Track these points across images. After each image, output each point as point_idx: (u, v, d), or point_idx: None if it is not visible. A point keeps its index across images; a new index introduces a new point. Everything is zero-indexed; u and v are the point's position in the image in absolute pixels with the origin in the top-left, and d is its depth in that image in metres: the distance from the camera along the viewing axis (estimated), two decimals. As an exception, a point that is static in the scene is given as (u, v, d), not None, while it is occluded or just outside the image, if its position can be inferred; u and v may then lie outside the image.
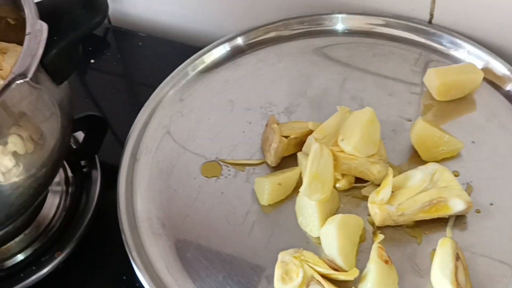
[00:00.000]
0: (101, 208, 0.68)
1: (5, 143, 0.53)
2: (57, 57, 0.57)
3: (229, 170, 0.63)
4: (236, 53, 0.72)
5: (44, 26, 0.55)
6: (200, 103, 0.68)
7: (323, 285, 0.52)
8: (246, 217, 0.59)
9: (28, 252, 0.65)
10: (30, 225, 0.66)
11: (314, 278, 0.52)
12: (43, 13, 0.57)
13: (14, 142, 0.54)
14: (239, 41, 0.73)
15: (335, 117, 0.61)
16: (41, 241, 0.66)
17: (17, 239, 0.65)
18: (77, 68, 0.62)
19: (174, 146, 0.65)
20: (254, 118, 0.67)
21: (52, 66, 0.57)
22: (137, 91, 0.79)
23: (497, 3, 0.67)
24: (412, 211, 0.55)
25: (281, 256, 0.54)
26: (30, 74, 0.52)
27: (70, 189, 0.70)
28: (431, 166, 0.58)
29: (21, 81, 0.51)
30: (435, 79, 0.64)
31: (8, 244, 0.65)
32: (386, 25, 0.72)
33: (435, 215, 0.56)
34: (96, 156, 0.71)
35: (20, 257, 0.65)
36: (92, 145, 0.71)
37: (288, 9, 0.74)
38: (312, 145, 0.58)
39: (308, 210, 0.57)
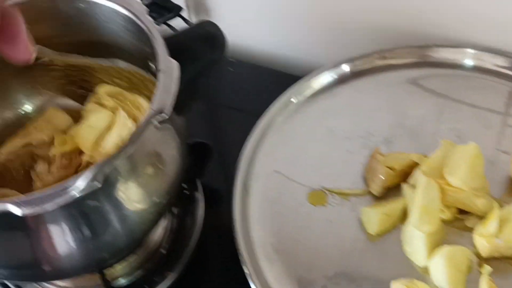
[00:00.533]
0: (204, 229, 0.72)
1: (139, 176, 0.57)
2: (181, 92, 0.61)
3: (334, 199, 0.66)
4: (337, 82, 0.75)
5: (175, 64, 0.58)
6: (302, 131, 0.72)
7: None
8: (354, 245, 0.63)
9: (140, 273, 0.69)
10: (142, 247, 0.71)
11: (427, 308, 0.55)
12: (170, 49, 0.61)
13: (148, 174, 0.58)
14: (344, 69, 0.76)
15: (440, 150, 0.64)
16: (152, 262, 0.70)
17: (130, 260, 0.70)
18: (197, 100, 0.66)
19: (280, 174, 0.68)
20: (354, 147, 0.70)
21: (176, 99, 0.61)
22: (240, 119, 0.82)
23: None
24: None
25: (394, 285, 0.57)
26: (167, 111, 0.55)
27: (175, 211, 0.74)
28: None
29: (160, 118, 0.55)
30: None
31: (119, 267, 0.69)
32: (480, 58, 0.74)
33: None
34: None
35: (132, 278, 0.69)
36: (197, 170, 0.75)
37: (385, 41, 0.77)
38: (420, 178, 0.61)
39: (416, 241, 0.60)
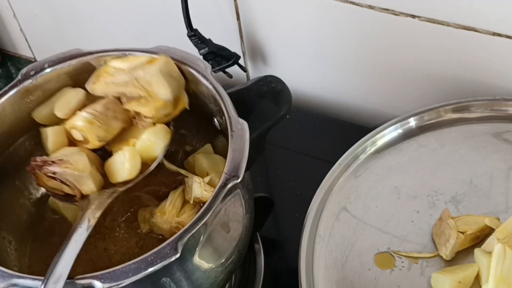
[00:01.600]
0: (265, 282, 0.71)
1: (212, 240, 0.57)
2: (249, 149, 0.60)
3: (402, 262, 0.64)
4: (402, 138, 0.73)
5: (246, 125, 0.58)
6: (367, 189, 0.70)
7: None
8: (425, 313, 0.61)
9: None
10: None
11: None
12: (235, 105, 0.60)
13: (220, 236, 0.58)
14: (410, 123, 0.74)
15: (516, 216, 0.62)
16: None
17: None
18: (263, 154, 0.65)
19: (346, 234, 0.67)
20: (421, 207, 0.68)
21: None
22: (298, 169, 0.81)
23: None
24: None
25: None
26: (241, 175, 0.55)
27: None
28: None
29: (234, 182, 0.54)
30: None
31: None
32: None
33: None
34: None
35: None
36: (257, 223, 0.74)
37: (450, 95, 0.75)
38: (495, 246, 0.59)
39: (491, 311, 0.58)
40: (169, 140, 0.64)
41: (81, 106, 0.64)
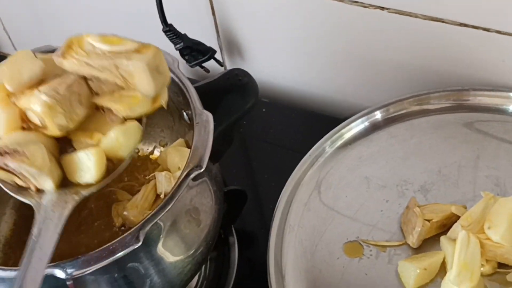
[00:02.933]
0: (238, 274, 0.72)
1: (178, 230, 0.58)
2: (215, 141, 0.60)
3: (370, 250, 0.65)
4: (371, 129, 0.74)
5: (210, 117, 0.59)
6: (337, 180, 0.71)
7: None
8: (392, 300, 0.62)
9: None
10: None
11: None
12: (202, 98, 0.61)
13: (187, 226, 0.59)
14: (378, 116, 0.75)
15: (480, 203, 0.63)
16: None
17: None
18: (230, 146, 0.66)
19: (315, 224, 0.68)
20: (390, 196, 0.69)
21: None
22: (273, 161, 0.82)
23: None
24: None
25: None
26: (204, 165, 0.55)
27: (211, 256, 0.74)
28: None
29: (197, 172, 0.55)
30: None
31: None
32: (516, 102, 0.73)
33: None
34: (231, 224, 0.75)
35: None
36: (231, 216, 0.75)
37: (419, 85, 0.76)
38: (459, 233, 0.60)
39: (455, 297, 0.59)
40: (139, 140, 0.58)
41: (36, 81, 0.55)
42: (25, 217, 0.70)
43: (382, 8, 0.74)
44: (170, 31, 0.85)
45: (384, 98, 0.76)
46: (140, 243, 0.52)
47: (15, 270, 0.51)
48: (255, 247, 0.76)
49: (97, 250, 0.52)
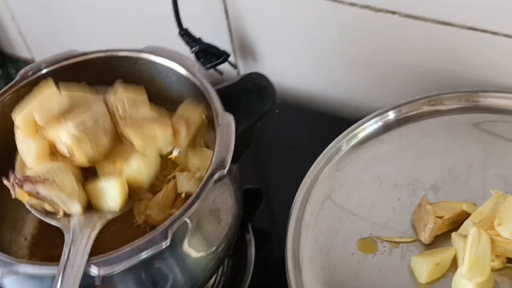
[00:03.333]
0: (255, 271, 0.74)
1: (201, 229, 0.60)
2: (235, 142, 0.62)
3: (384, 247, 0.68)
4: (383, 130, 0.77)
5: (232, 119, 0.61)
6: (350, 179, 0.73)
7: None
8: (406, 294, 0.64)
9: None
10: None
11: None
12: (222, 101, 0.64)
13: (210, 225, 0.61)
14: (391, 116, 0.77)
15: (490, 201, 0.65)
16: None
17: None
18: (250, 147, 0.68)
19: (330, 222, 0.70)
20: (402, 194, 0.71)
21: (233, 149, 0.63)
22: (287, 161, 0.84)
23: None
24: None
25: (447, 336, 0.59)
26: (227, 166, 0.58)
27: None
28: None
29: (221, 173, 0.58)
30: None
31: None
32: (525, 103, 0.76)
33: None
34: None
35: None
36: (247, 214, 0.77)
37: (430, 87, 0.79)
38: (471, 230, 0.62)
39: (466, 291, 0.61)
40: (159, 169, 0.64)
41: (63, 112, 0.60)
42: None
43: (393, 13, 0.76)
44: (185, 34, 0.88)
45: (395, 100, 0.78)
46: (168, 242, 0.54)
47: (47, 266, 0.54)
48: (271, 245, 0.78)
49: (127, 248, 0.54)
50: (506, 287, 0.63)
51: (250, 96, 0.66)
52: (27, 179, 0.57)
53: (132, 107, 0.61)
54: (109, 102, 0.62)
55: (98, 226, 0.58)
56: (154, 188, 0.73)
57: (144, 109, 0.62)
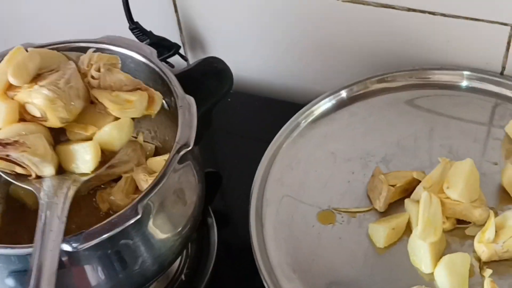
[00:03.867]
0: (219, 253, 0.77)
1: (167, 207, 0.62)
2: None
3: (342, 217, 0.71)
4: (335, 108, 0.81)
5: (192, 100, 0.63)
6: (306, 156, 0.77)
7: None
8: (365, 259, 0.68)
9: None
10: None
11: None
12: (181, 85, 0.66)
13: (175, 204, 0.63)
14: (342, 95, 0.82)
15: (438, 168, 0.70)
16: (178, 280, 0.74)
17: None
18: (208, 129, 0.70)
19: (290, 198, 0.73)
20: (355, 168, 0.75)
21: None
22: (242, 147, 0.87)
23: None
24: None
25: (414, 290, 0.63)
26: (191, 144, 0.60)
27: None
28: (527, 207, 0.66)
29: (185, 150, 0.60)
30: (521, 127, 0.73)
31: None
32: (464, 78, 0.81)
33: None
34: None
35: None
36: (208, 197, 0.80)
37: (375, 68, 0.83)
38: (422, 194, 0.66)
39: (421, 251, 0.65)
40: (131, 134, 0.63)
41: (35, 73, 0.59)
42: (12, 208, 0.73)
43: (337, -2, 0.80)
44: (136, 28, 0.89)
45: (342, 82, 0.82)
46: (139, 215, 0.56)
47: (22, 248, 0.55)
48: (232, 227, 0.81)
49: (100, 224, 0.56)
50: (457, 247, 0.67)
51: (208, 79, 0.68)
52: None
53: (107, 72, 0.61)
54: (82, 64, 0.62)
55: (73, 188, 0.58)
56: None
57: (120, 75, 0.61)
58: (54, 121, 0.59)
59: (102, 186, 0.75)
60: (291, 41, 0.89)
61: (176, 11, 0.93)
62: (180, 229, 0.65)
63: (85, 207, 0.74)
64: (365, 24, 0.82)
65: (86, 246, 0.55)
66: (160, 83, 0.68)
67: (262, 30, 0.89)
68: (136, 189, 0.73)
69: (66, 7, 0.98)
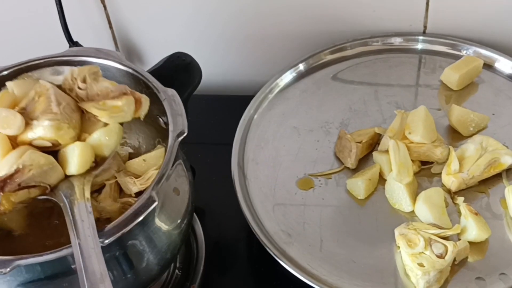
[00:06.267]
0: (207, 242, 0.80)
1: (167, 204, 0.64)
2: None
3: (319, 181, 0.77)
4: (286, 87, 0.88)
5: (174, 91, 0.66)
6: (271, 135, 0.82)
7: (441, 242, 0.67)
8: (350, 212, 0.74)
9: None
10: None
11: (432, 238, 0.67)
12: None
13: (175, 195, 0.66)
14: (301, 67, 0.89)
15: (397, 119, 0.77)
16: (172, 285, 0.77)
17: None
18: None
19: (267, 173, 0.78)
20: (319, 136, 0.81)
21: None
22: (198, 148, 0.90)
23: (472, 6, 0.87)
24: (479, 173, 0.72)
25: (398, 231, 0.69)
26: (186, 129, 0.63)
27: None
28: (478, 138, 0.75)
29: (182, 137, 0.63)
30: (454, 74, 0.82)
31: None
32: (391, 42, 0.90)
33: (494, 172, 0.73)
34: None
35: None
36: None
37: (309, 48, 0.90)
38: (389, 142, 0.74)
39: (399, 193, 0.73)
40: (120, 138, 0.66)
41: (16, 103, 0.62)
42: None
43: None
44: (76, 47, 0.91)
45: (282, 67, 0.89)
46: (157, 202, 0.58)
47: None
48: (214, 220, 0.83)
49: (119, 218, 0.58)
50: (427, 185, 0.75)
51: (179, 74, 0.72)
52: (3, 178, 0.57)
53: (93, 81, 0.64)
54: (67, 80, 0.64)
55: (87, 184, 0.61)
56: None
57: (105, 82, 0.64)
58: (67, 142, 0.62)
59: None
60: (228, 39, 0.94)
61: (110, 27, 0.95)
62: (179, 222, 0.67)
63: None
64: (293, 8, 0.88)
65: (113, 239, 0.57)
66: (134, 83, 0.70)
67: (197, 32, 0.94)
68: (121, 194, 0.76)
69: (4, 30, 0.98)
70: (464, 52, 0.88)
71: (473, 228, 0.68)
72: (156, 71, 0.72)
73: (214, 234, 0.81)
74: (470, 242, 0.68)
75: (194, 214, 0.81)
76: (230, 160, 0.79)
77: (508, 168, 0.74)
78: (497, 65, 0.86)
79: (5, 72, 0.70)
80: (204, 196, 0.80)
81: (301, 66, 0.89)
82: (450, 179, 0.73)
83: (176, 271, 0.78)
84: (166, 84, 0.69)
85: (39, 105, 0.62)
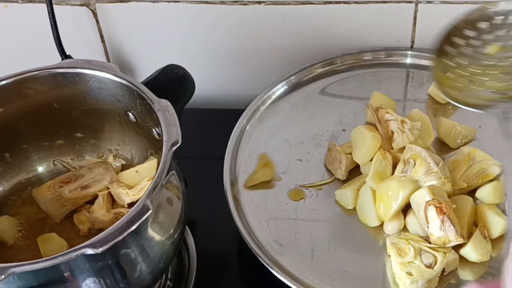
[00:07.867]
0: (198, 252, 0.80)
1: (160, 214, 0.65)
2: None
3: (310, 192, 0.78)
4: (277, 100, 0.89)
5: (167, 102, 0.68)
6: (262, 148, 0.83)
7: (431, 252, 0.68)
8: (340, 222, 0.75)
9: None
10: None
11: (422, 248, 0.69)
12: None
13: (168, 205, 0.67)
14: (276, 91, 0.90)
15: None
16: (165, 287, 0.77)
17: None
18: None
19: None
20: (310, 148, 0.83)
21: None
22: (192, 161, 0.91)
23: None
24: (470, 183, 0.74)
25: (389, 239, 0.70)
26: (180, 139, 0.64)
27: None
28: (465, 149, 0.77)
29: (176, 146, 0.64)
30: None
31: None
32: (380, 57, 0.91)
33: (482, 182, 0.75)
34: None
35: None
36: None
37: (302, 60, 0.91)
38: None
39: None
40: None
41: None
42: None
43: (260, 3, 0.88)
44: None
45: (273, 81, 0.90)
46: (151, 210, 0.59)
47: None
48: (205, 231, 0.84)
49: (113, 226, 0.59)
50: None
51: (172, 85, 0.73)
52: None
53: None
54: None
55: None
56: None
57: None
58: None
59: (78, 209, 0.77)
60: (221, 54, 0.95)
61: (103, 41, 0.96)
62: (171, 232, 0.68)
63: (64, 232, 0.76)
64: (287, 23, 0.90)
65: (107, 247, 0.57)
66: (127, 95, 0.72)
67: (191, 46, 0.95)
68: (114, 205, 0.76)
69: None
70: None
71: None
72: (150, 83, 0.73)
73: (206, 245, 0.82)
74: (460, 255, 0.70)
75: (186, 226, 0.82)
76: (222, 173, 0.80)
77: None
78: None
79: (2, 83, 0.72)
80: (195, 208, 0.80)
81: (293, 79, 0.90)
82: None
83: (168, 282, 0.79)
84: (160, 95, 0.70)
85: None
